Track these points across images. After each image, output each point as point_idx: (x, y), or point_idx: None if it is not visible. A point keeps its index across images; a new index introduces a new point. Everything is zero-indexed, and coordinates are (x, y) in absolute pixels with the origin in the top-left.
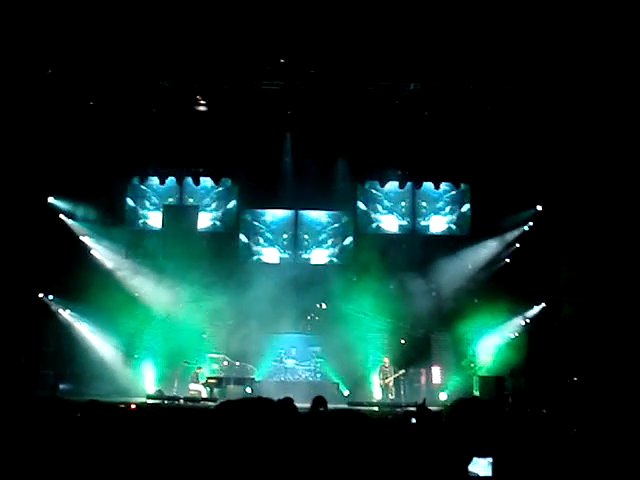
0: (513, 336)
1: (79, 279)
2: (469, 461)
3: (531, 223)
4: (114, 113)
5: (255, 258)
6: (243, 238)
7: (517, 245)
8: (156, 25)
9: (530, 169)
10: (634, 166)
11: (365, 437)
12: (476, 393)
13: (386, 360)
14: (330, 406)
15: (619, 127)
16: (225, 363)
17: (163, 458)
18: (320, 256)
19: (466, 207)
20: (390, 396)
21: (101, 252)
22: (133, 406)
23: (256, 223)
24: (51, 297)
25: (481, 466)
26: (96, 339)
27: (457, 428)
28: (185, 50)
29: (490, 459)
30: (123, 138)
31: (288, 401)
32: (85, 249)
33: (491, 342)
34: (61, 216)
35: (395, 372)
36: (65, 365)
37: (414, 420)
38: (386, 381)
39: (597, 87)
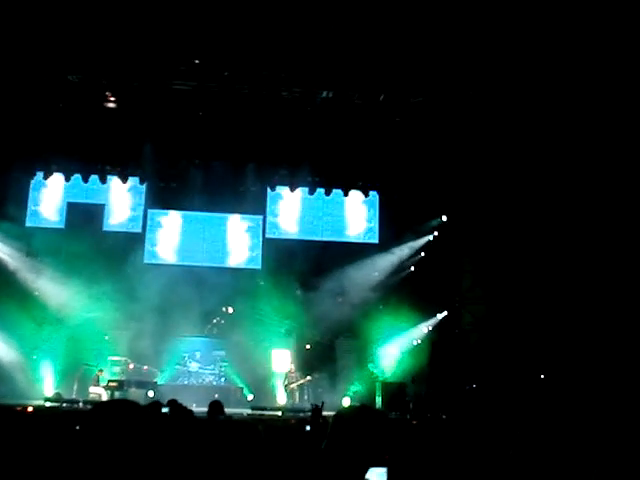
0: (416, 343)
1: None
2: (364, 471)
3: (436, 233)
4: (19, 106)
5: (161, 259)
6: (150, 238)
7: (422, 254)
8: (65, 17)
9: (437, 179)
10: (531, 178)
11: (253, 448)
12: (378, 399)
13: (292, 366)
14: (233, 410)
15: (517, 138)
16: (130, 366)
17: (59, 461)
18: (228, 259)
19: (374, 215)
20: (294, 401)
21: (1, 250)
22: (30, 409)
23: (164, 224)
24: None
25: (376, 475)
26: None
27: (343, 436)
28: (96, 44)
29: (384, 469)
30: (27, 132)
31: (171, 402)
32: None
33: (394, 349)
34: None
35: (300, 378)
36: None
37: (308, 427)
38: (291, 386)
39: (499, 99)
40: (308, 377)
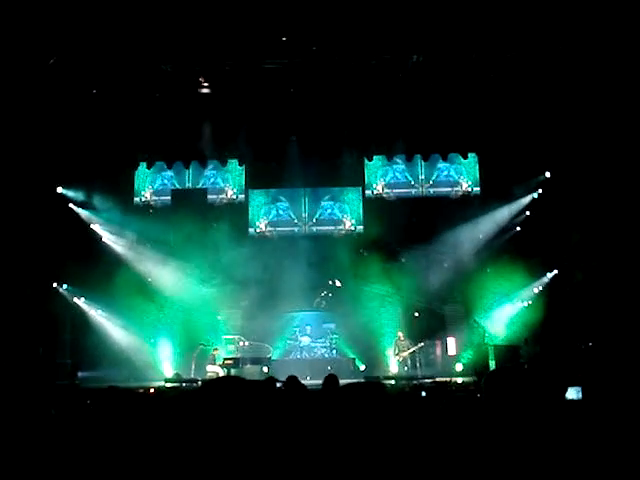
0: (526, 304)
1: (92, 267)
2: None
3: (540, 190)
4: (118, 100)
5: (266, 236)
6: (253, 218)
7: (527, 213)
8: (154, 9)
9: (537, 136)
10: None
11: (383, 408)
12: (492, 363)
13: (400, 334)
14: (347, 382)
15: (625, 89)
16: (241, 344)
17: (183, 442)
18: (331, 232)
19: (476, 177)
20: (406, 369)
21: (112, 239)
22: (152, 390)
23: (265, 202)
24: (65, 287)
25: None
26: (112, 326)
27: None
28: (185, 32)
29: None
30: (128, 124)
31: (292, 379)
32: (96, 237)
33: (505, 311)
34: (71, 205)
35: (410, 346)
36: (82, 353)
37: (424, 393)
38: (402, 355)
39: (606, 49)
40: (420, 344)
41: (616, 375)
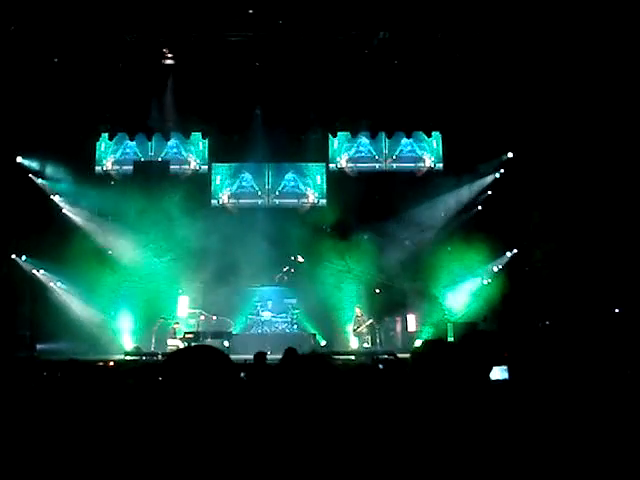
0: (486, 282)
1: (52, 239)
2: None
3: (502, 170)
4: (80, 69)
5: (229, 209)
6: (215, 191)
7: (489, 192)
8: None
9: (500, 116)
10: (602, 107)
11: (337, 381)
12: (451, 340)
13: (358, 310)
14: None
15: (583, 71)
16: (202, 317)
17: (142, 413)
18: (292, 206)
19: (438, 155)
20: (366, 345)
21: (72, 211)
22: (111, 363)
23: (228, 176)
24: (24, 258)
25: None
26: (72, 298)
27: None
28: (150, 2)
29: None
30: (91, 94)
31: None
32: (56, 208)
33: (465, 288)
34: (30, 175)
35: (367, 320)
36: (42, 325)
37: (381, 366)
38: (358, 330)
39: (568, 26)
40: (371, 320)
41: (560, 355)
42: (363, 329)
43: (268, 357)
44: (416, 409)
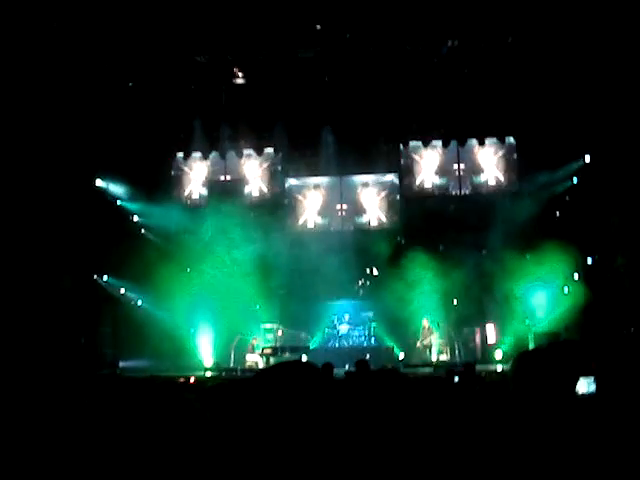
0: (567, 290)
1: (132, 259)
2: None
3: (580, 175)
4: (154, 92)
5: (302, 225)
6: (290, 206)
7: (567, 198)
8: (187, 1)
9: (575, 120)
10: None
11: (405, 396)
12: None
13: (425, 321)
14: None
15: None
16: (280, 332)
17: (225, 430)
18: (368, 220)
19: (513, 162)
20: (444, 356)
21: (151, 231)
22: (192, 380)
23: (301, 190)
24: (106, 278)
25: (585, 384)
26: (152, 316)
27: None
28: (218, 23)
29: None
30: (164, 116)
31: (328, 367)
32: (135, 228)
33: (545, 297)
34: (109, 197)
35: (435, 333)
36: (124, 344)
37: (457, 379)
38: (425, 342)
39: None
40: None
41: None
42: (429, 342)
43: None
44: (495, 425)
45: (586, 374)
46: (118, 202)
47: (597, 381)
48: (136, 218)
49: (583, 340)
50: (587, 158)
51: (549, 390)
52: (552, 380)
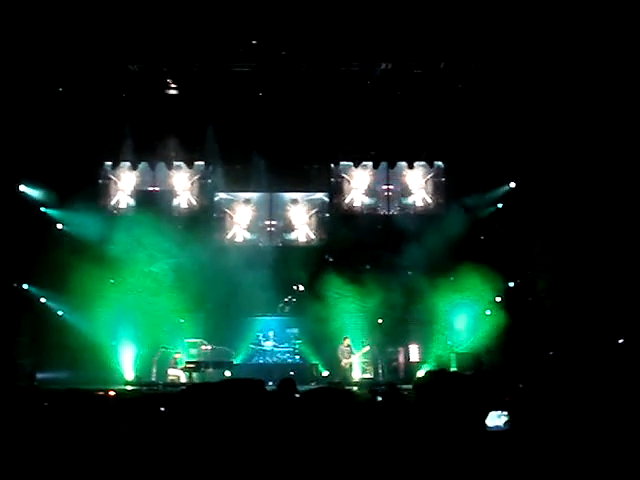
0: (489, 312)
1: (54, 267)
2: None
3: (505, 200)
4: (84, 99)
5: (230, 239)
6: (218, 220)
7: (491, 222)
8: (123, 7)
9: (502, 146)
10: (606, 139)
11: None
12: (454, 369)
13: (346, 340)
14: (309, 387)
15: (588, 101)
16: (203, 347)
17: (142, 444)
18: (296, 238)
19: (441, 185)
20: (367, 375)
21: (75, 240)
22: (112, 393)
23: (231, 205)
24: (26, 286)
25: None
26: (73, 327)
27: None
28: (153, 32)
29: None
30: (94, 123)
31: (259, 383)
32: (58, 237)
33: (467, 319)
34: (32, 204)
35: (353, 352)
36: (42, 354)
37: (379, 398)
38: (347, 361)
39: (568, 59)
40: (364, 349)
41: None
42: (351, 361)
43: (270, 388)
44: (410, 446)
45: (499, 408)
46: (42, 209)
47: (510, 416)
48: (60, 226)
49: (504, 363)
50: (512, 184)
51: (453, 418)
52: (457, 409)
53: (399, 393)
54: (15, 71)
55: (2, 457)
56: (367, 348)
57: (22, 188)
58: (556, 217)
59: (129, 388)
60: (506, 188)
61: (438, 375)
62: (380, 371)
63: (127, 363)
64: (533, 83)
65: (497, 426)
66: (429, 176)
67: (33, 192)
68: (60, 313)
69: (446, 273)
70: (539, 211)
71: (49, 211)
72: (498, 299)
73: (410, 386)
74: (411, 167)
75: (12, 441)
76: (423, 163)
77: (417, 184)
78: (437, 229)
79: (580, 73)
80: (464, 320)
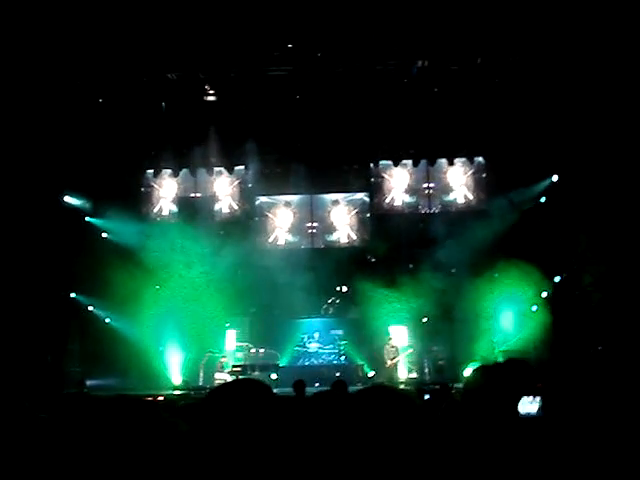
0: (535, 308)
1: (99, 276)
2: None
3: (548, 193)
4: (124, 109)
5: (272, 243)
6: (260, 224)
7: (535, 217)
8: (159, 17)
9: (544, 139)
10: None
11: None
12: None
13: (391, 340)
14: (356, 388)
15: (631, 89)
16: (252, 351)
17: (190, 448)
18: (336, 238)
19: (482, 181)
20: (413, 375)
21: (119, 247)
22: (160, 398)
23: (272, 208)
24: (74, 295)
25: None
26: (120, 334)
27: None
28: (190, 40)
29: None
30: (135, 133)
31: (300, 384)
32: (104, 245)
33: (513, 316)
34: (77, 214)
35: (399, 352)
36: (92, 361)
37: (427, 396)
38: (393, 361)
39: (607, 47)
40: (408, 350)
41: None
42: (396, 360)
43: (316, 389)
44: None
45: (532, 394)
46: (87, 218)
47: (543, 402)
48: (105, 234)
49: (552, 359)
50: (555, 177)
51: (490, 407)
52: (492, 397)
53: (449, 392)
54: (56, 85)
55: (56, 463)
56: (410, 350)
57: (66, 199)
58: (601, 209)
59: (177, 393)
60: (549, 181)
61: (488, 371)
62: (426, 370)
63: (174, 368)
64: (572, 74)
65: (529, 413)
66: (470, 172)
67: (77, 202)
68: (107, 320)
69: (490, 270)
70: (583, 203)
71: (93, 220)
72: (544, 295)
73: (460, 385)
74: (451, 164)
75: (65, 448)
76: (463, 159)
77: (458, 181)
78: (479, 226)
79: (619, 61)
80: (510, 317)
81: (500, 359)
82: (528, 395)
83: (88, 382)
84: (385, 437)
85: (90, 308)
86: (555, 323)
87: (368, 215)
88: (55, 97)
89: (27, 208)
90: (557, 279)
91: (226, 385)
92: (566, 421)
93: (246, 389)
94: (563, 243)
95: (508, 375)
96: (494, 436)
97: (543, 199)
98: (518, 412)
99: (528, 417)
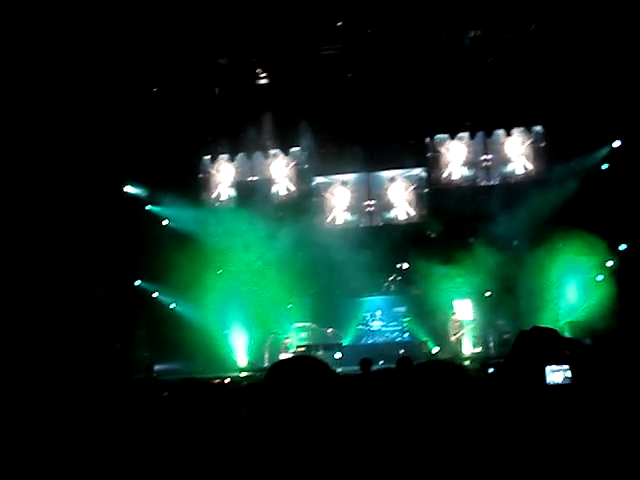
0: (600, 278)
1: (162, 263)
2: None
3: (610, 159)
4: (178, 97)
5: (330, 222)
6: (317, 204)
7: (597, 184)
8: (208, 5)
9: (602, 105)
10: None
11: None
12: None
13: (454, 315)
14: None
15: None
16: (316, 331)
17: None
18: (395, 215)
19: (541, 150)
20: (478, 349)
21: (180, 234)
22: (227, 380)
23: (329, 188)
24: (139, 283)
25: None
26: (185, 319)
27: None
28: (239, 25)
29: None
30: (190, 120)
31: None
32: (165, 232)
33: (577, 286)
34: (138, 203)
35: (464, 325)
36: (159, 347)
37: (491, 370)
38: (457, 336)
39: None
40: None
41: None
42: (461, 335)
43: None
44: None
45: (559, 362)
46: (147, 207)
47: (572, 371)
48: (165, 222)
49: (620, 329)
50: (617, 142)
51: (516, 376)
52: (518, 366)
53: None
54: (114, 79)
55: (129, 447)
56: (474, 324)
57: (127, 189)
58: None
59: (243, 374)
60: (610, 147)
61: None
62: (491, 345)
63: (239, 350)
64: (630, 34)
65: (555, 381)
66: (528, 142)
67: (138, 191)
68: (172, 306)
69: (553, 240)
70: None
71: (154, 208)
72: (609, 263)
73: None
74: (509, 134)
75: (136, 432)
76: (521, 129)
77: (516, 151)
78: (540, 196)
79: None
80: (574, 288)
81: (567, 331)
82: (556, 364)
83: (156, 367)
84: (436, 411)
85: (155, 295)
86: (621, 292)
87: (426, 190)
88: (111, 90)
89: (91, 200)
90: (622, 247)
91: (282, 363)
92: (595, 391)
93: (302, 367)
94: (628, 210)
95: (534, 343)
96: (518, 404)
97: (605, 165)
98: (544, 380)
99: (555, 385)
